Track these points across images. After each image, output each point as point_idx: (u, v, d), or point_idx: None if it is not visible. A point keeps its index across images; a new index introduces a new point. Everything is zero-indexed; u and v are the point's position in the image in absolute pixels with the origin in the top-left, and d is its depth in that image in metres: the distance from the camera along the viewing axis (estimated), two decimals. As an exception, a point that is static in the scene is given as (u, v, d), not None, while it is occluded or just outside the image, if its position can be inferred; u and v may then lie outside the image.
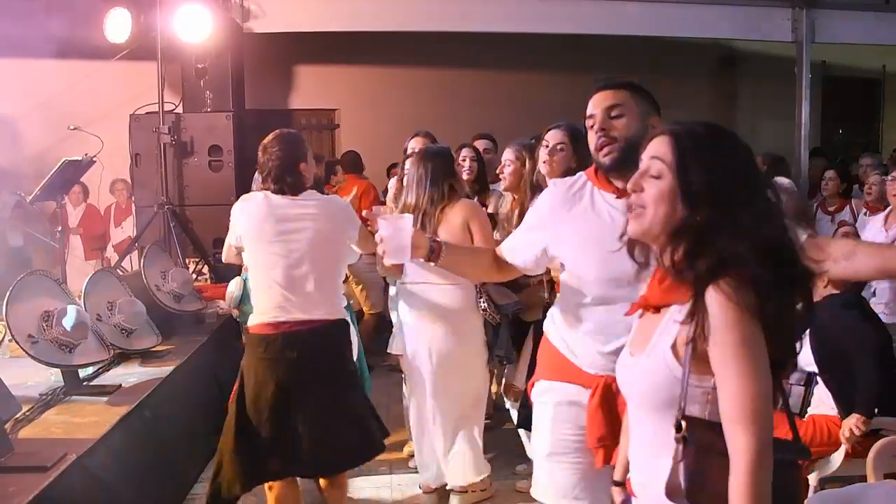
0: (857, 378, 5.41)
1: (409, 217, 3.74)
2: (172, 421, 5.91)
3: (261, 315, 5.03)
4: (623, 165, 3.47)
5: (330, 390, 4.99)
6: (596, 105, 3.63)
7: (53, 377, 5.60)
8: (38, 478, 3.95)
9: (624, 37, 12.78)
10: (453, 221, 5.72)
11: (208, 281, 9.10)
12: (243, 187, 10.22)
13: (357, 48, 13.07)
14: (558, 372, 3.79)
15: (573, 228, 3.68)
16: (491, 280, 4.74)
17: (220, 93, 10.17)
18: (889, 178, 7.28)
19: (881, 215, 7.07)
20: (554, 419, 3.81)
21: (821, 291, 5.81)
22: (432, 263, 3.85)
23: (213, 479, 4.95)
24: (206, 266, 9.40)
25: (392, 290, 7.08)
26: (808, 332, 5.66)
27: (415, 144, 7.04)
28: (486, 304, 5.86)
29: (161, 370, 6.13)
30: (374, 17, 11.69)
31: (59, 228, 8.10)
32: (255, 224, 5.07)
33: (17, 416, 4.91)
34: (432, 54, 13.57)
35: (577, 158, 5.21)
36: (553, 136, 5.43)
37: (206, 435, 6.63)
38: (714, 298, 2.36)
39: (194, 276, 8.78)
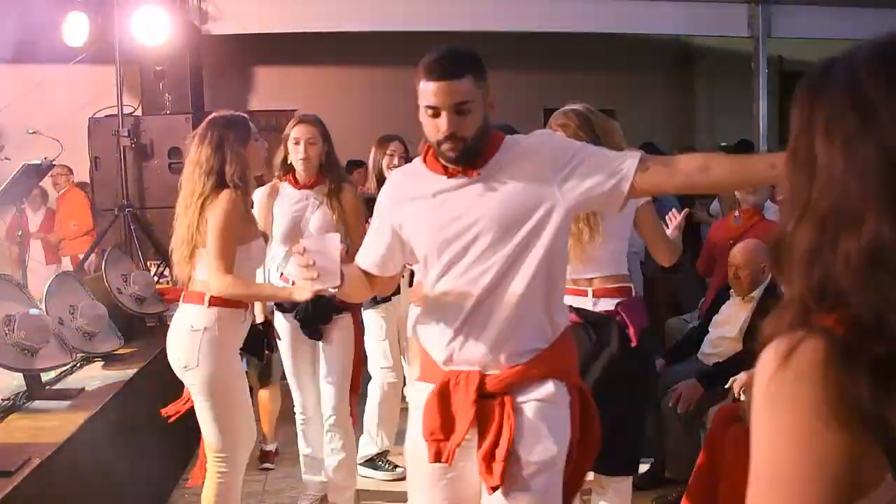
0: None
1: (335, 236, 3.48)
2: (140, 424, 5.91)
3: None
4: (466, 158, 3.37)
5: None
6: (440, 99, 3.31)
7: (15, 382, 5.57)
8: (2, 483, 3.94)
9: (581, 33, 12.86)
10: None
11: (170, 283, 9.08)
12: (203, 189, 10.22)
13: (316, 48, 13.07)
14: (424, 371, 3.66)
15: (413, 213, 3.53)
16: (366, 297, 4.34)
17: (179, 95, 10.18)
18: None
19: None
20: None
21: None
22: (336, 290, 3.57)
23: None
24: (167, 268, 9.37)
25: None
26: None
27: (300, 133, 5.79)
28: None
29: (124, 373, 6.11)
30: (332, 18, 11.71)
31: (20, 233, 8.08)
32: None
33: (-21, 421, 4.89)
34: (392, 53, 13.56)
35: None
36: None
37: (181, 438, 6.64)
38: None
39: (156, 278, 8.76)
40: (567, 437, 3.46)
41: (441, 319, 3.47)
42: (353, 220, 5.71)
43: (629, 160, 3.28)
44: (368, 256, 3.73)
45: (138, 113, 10.04)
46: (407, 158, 6.85)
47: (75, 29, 9.65)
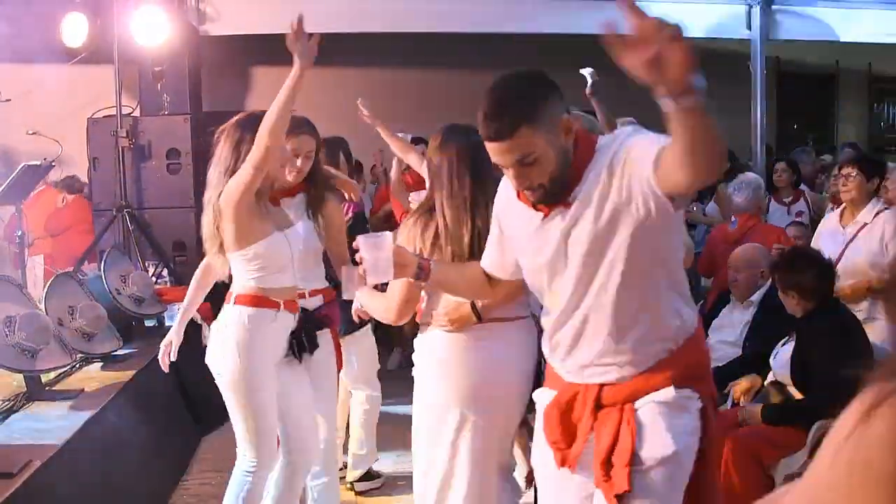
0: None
1: (388, 234, 3.59)
2: (139, 425, 5.92)
3: None
4: (554, 200, 3.18)
5: None
6: (498, 159, 3.14)
7: (15, 382, 5.59)
8: (4, 484, 3.96)
9: (578, 35, 12.86)
10: None
11: (168, 284, 9.09)
12: (201, 190, 10.20)
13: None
14: (550, 377, 3.57)
15: (514, 237, 3.48)
16: (487, 298, 4.05)
17: (177, 95, 10.14)
18: (836, 174, 7.26)
19: (836, 212, 7.05)
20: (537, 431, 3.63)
21: (797, 306, 5.67)
22: (422, 282, 3.69)
23: None
24: (165, 269, 9.38)
25: None
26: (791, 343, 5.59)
27: (300, 146, 5.29)
28: None
29: (123, 374, 6.13)
30: (328, 20, 11.70)
31: (19, 233, 8.07)
32: None
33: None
34: (386, 55, 13.60)
35: None
36: None
37: (178, 440, 6.66)
38: None
39: (154, 279, 8.77)
40: (692, 443, 3.29)
41: (553, 336, 3.39)
42: (336, 232, 5.33)
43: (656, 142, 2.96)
44: (486, 257, 3.72)
45: (136, 113, 10.02)
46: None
47: (74, 29, 9.64)
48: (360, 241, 3.52)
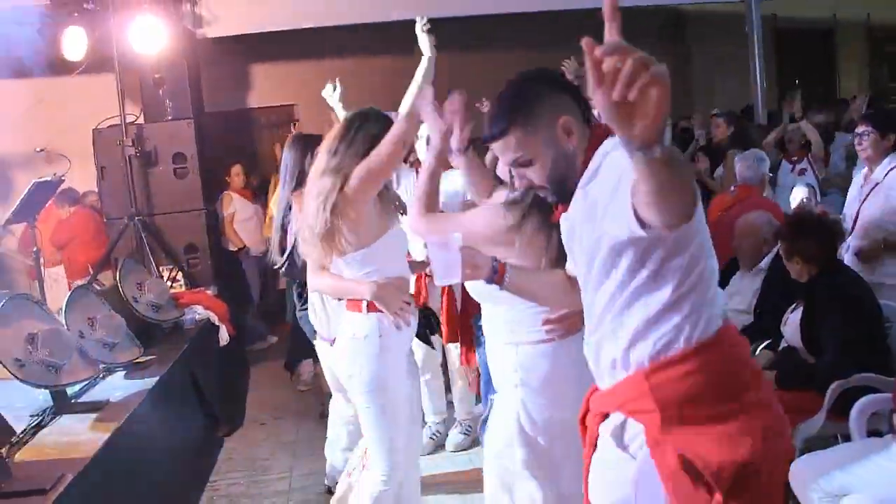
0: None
1: (457, 235, 3.47)
2: (165, 430, 6.00)
3: None
4: (564, 199, 3.06)
5: None
6: (499, 158, 3.15)
7: (41, 397, 5.66)
8: (38, 501, 4.04)
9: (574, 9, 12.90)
10: None
11: (183, 287, 9.19)
12: (209, 191, 10.31)
13: (308, 43, 13.12)
14: None
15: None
16: (569, 307, 3.82)
17: (179, 100, 10.23)
18: (857, 134, 7.17)
19: (864, 171, 6.96)
20: None
21: (801, 272, 5.68)
22: (497, 286, 3.52)
23: None
24: (179, 273, 9.49)
25: None
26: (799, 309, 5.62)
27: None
28: None
29: (146, 381, 6.20)
30: (322, 14, 11.78)
31: (35, 249, 8.17)
32: None
33: (12, 439, 4.96)
34: (383, 44, 13.65)
35: None
36: None
37: (202, 442, 6.74)
38: None
39: (169, 283, 8.88)
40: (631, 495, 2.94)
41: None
42: None
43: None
44: (569, 261, 3.42)
45: (141, 121, 10.12)
46: None
47: (74, 43, 9.76)
48: (429, 241, 3.51)
